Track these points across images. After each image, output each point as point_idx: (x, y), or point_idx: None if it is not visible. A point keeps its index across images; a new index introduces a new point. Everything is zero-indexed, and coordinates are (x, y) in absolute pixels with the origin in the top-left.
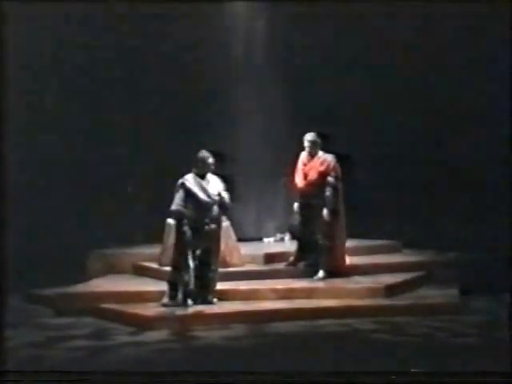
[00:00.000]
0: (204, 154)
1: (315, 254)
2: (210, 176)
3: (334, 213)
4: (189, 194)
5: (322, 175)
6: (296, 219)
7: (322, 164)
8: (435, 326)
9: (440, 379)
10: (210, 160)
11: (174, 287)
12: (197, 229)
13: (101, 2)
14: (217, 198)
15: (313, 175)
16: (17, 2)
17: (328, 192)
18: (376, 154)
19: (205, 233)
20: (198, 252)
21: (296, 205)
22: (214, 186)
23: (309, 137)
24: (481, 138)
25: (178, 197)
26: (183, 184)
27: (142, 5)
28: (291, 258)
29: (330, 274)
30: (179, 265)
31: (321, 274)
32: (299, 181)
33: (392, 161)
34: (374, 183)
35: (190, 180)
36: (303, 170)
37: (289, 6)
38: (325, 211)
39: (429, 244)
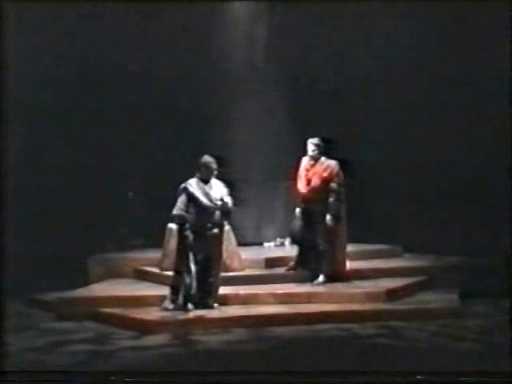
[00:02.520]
0: (208, 158)
1: (316, 258)
2: (213, 181)
3: (336, 219)
4: (191, 199)
5: (326, 181)
6: (297, 224)
7: (325, 170)
8: (436, 330)
9: (440, 379)
10: (214, 165)
11: (175, 291)
12: (199, 233)
13: (101, 2)
14: (219, 203)
15: (316, 181)
16: (17, 2)
17: (331, 198)
18: (375, 157)
19: (207, 237)
20: (199, 257)
21: (297, 210)
22: (217, 191)
23: (314, 140)
24: (481, 141)
25: (181, 201)
26: (186, 188)
27: (142, 5)
28: (292, 263)
29: (331, 278)
30: (181, 269)
31: (321, 278)
32: (302, 186)
33: (392, 165)
34: (374, 188)
35: (192, 185)
36: (306, 175)
37: (289, 6)
38: (328, 217)
39: (429, 248)
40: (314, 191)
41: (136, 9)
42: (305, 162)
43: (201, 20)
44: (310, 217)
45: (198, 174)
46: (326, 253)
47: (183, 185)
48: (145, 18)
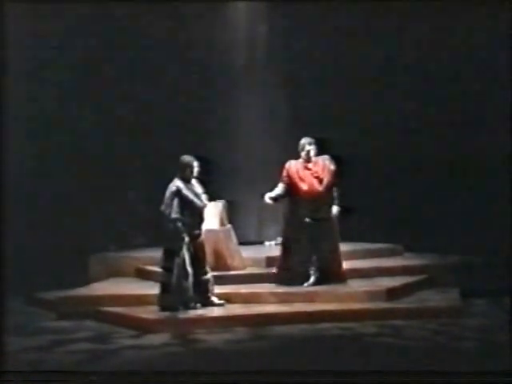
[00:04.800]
0: (189, 158)
1: (319, 259)
2: (193, 180)
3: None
4: (184, 201)
5: (335, 174)
6: (303, 237)
7: (330, 163)
8: (436, 329)
9: (440, 379)
10: (196, 164)
11: (171, 290)
12: (191, 234)
13: (101, 2)
14: (206, 202)
15: (329, 177)
16: (17, 2)
17: (336, 192)
18: (375, 157)
19: (196, 237)
20: (193, 257)
21: (305, 211)
22: (199, 190)
23: (309, 140)
24: (481, 140)
25: (176, 204)
26: (179, 191)
27: (143, 5)
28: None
29: (327, 279)
30: (178, 270)
31: (312, 279)
32: (317, 185)
33: (392, 163)
34: (374, 186)
35: (182, 187)
36: (312, 174)
37: (290, 7)
38: (335, 209)
39: (429, 247)
40: (329, 187)
41: (136, 9)
42: (296, 164)
43: (201, 20)
44: (318, 218)
45: (180, 174)
46: (330, 251)
47: (174, 188)
48: (145, 18)
